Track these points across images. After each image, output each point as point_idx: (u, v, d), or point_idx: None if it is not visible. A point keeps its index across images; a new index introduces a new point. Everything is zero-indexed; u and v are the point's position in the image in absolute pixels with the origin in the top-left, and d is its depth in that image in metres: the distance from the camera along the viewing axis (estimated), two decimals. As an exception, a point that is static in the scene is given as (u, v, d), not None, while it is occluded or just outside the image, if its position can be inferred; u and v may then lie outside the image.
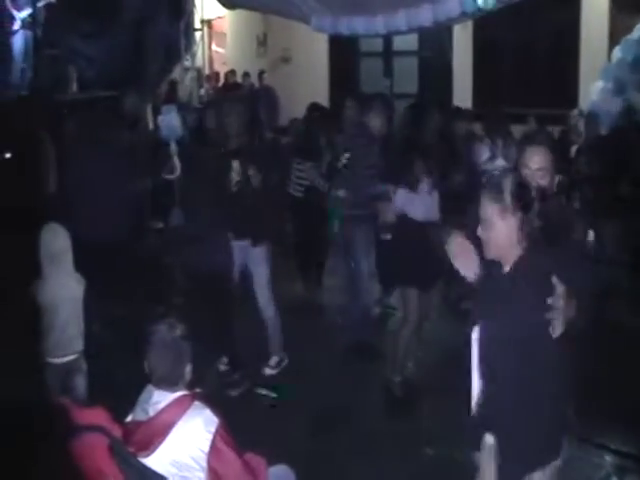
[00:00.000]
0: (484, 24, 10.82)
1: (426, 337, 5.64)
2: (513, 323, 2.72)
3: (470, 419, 2.92)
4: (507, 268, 2.84)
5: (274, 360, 5.73)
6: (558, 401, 2.86)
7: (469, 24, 11.22)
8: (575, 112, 9.28)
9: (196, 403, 2.93)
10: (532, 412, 2.74)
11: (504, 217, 2.76)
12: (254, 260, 5.59)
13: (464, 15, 7.73)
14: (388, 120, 6.07)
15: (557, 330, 2.75)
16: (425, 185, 5.18)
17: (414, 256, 5.04)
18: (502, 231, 2.77)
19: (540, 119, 9.31)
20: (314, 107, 9.68)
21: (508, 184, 2.77)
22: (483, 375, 2.86)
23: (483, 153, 7.09)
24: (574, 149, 8.50)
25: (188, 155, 6.29)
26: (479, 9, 7.36)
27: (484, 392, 2.86)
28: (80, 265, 4.48)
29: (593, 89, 10.15)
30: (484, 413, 2.84)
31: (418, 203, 5.16)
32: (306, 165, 6.92)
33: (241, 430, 3.05)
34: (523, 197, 2.77)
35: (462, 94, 11.99)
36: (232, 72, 14.23)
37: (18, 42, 12.06)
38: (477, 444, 2.80)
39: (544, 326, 2.74)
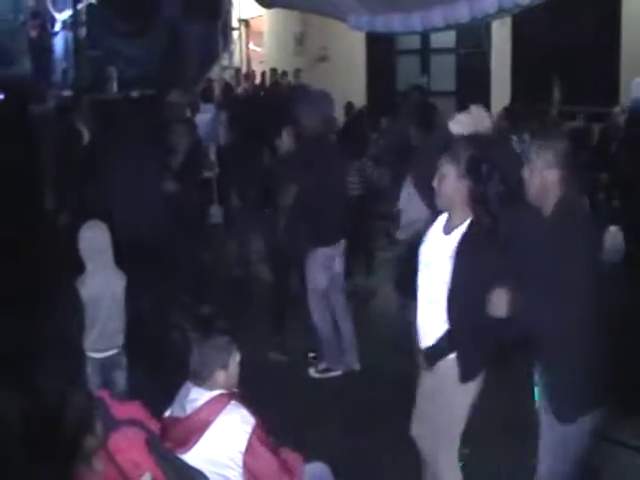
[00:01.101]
0: (523, 20, 10.69)
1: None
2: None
3: None
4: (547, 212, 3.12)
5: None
6: None
7: (508, 20, 11.10)
8: (617, 109, 9.15)
9: (233, 402, 2.95)
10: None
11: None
12: (339, 264, 5.62)
13: (502, 11, 7.64)
14: None
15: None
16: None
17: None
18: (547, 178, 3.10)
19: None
20: (350, 106, 9.72)
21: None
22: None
23: None
24: (615, 146, 8.39)
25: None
26: (517, 5, 7.28)
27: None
28: (122, 262, 4.54)
29: (634, 85, 10.00)
30: None
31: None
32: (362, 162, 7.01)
33: (280, 427, 3.06)
34: None
35: (500, 91, 11.88)
36: (273, 70, 14.25)
37: (59, 43, 12.27)
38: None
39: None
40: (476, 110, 3.46)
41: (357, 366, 5.67)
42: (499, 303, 3.06)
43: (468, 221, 3.39)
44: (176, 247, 6.02)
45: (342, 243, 5.61)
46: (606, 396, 3.18)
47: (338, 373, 5.67)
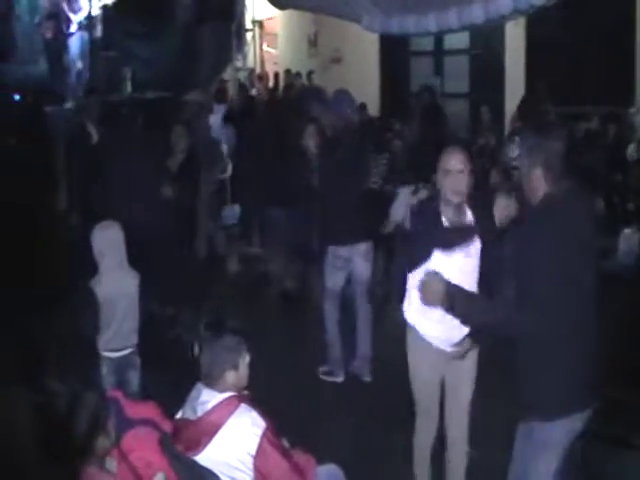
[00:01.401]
0: (537, 20, 10.64)
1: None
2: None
3: None
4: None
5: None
6: None
7: (521, 21, 11.04)
8: (633, 109, 9.11)
9: (243, 405, 2.94)
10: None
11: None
12: (362, 268, 5.50)
13: (517, 12, 7.63)
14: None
15: None
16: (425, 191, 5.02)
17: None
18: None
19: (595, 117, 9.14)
20: (363, 108, 9.69)
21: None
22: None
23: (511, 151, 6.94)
24: (631, 148, 8.35)
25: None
26: (532, 5, 7.27)
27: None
28: (135, 262, 4.56)
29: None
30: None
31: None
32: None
33: (294, 429, 3.05)
34: None
35: (514, 93, 11.82)
36: (288, 72, 14.25)
37: (74, 44, 12.32)
38: None
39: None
40: (502, 201, 3.69)
41: (368, 378, 5.54)
42: (429, 292, 3.11)
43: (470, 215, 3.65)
44: (172, 247, 6.04)
45: (363, 245, 5.44)
46: (592, 399, 3.12)
47: (339, 379, 5.55)
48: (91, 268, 4.40)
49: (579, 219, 3.14)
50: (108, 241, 4.36)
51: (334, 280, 5.50)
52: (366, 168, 5.91)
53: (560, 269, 2.95)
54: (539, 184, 3.11)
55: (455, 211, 3.65)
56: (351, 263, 5.48)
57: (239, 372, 3.00)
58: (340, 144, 5.41)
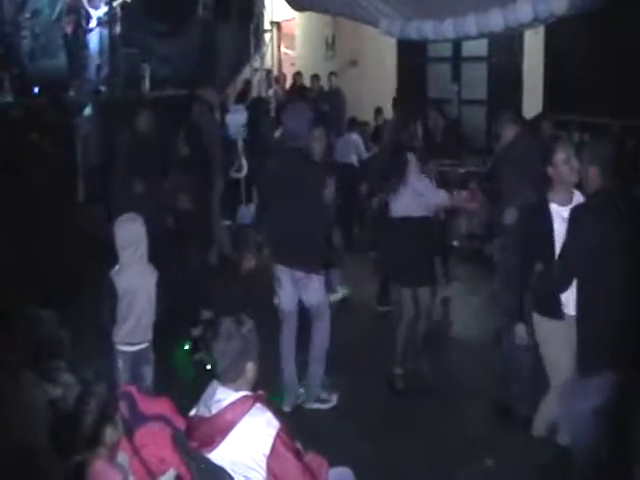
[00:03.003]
0: (556, 29, 10.61)
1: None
2: None
3: None
4: None
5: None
6: None
7: (540, 29, 11.01)
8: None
9: (258, 405, 2.94)
10: None
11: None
12: (310, 293, 5.13)
13: (536, 20, 7.61)
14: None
15: None
16: (410, 181, 5.25)
17: (404, 255, 5.29)
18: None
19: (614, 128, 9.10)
20: (379, 111, 9.69)
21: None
22: None
23: None
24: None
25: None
26: (552, 14, 7.25)
27: None
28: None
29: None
30: None
31: (400, 199, 5.28)
32: None
33: (303, 432, 3.05)
34: None
35: (532, 101, 11.79)
36: (299, 74, 14.30)
37: (94, 40, 12.38)
38: None
39: None
40: None
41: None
42: None
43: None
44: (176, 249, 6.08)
45: (308, 272, 4.99)
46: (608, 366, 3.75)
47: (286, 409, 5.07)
48: (111, 260, 4.42)
49: (619, 216, 3.87)
50: (130, 234, 4.38)
51: (279, 297, 5.23)
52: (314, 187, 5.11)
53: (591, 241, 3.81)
54: (595, 180, 3.92)
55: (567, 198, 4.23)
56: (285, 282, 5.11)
57: (256, 366, 3.01)
58: (283, 158, 5.14)
